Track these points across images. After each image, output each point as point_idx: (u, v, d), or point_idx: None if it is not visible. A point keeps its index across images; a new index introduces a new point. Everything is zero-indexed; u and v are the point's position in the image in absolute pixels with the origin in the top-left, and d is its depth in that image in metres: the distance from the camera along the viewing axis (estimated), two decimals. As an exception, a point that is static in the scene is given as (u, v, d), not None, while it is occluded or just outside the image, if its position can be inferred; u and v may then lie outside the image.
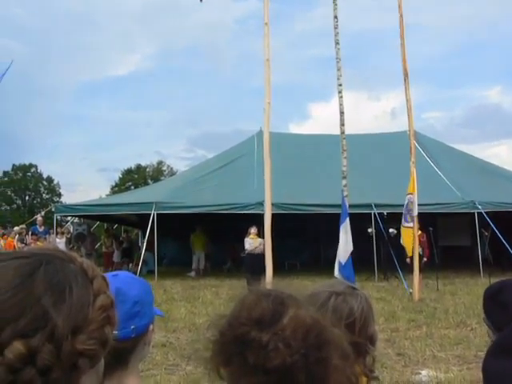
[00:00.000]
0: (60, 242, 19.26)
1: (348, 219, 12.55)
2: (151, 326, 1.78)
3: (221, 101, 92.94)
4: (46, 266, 0.84)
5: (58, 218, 21.36)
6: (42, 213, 27.48)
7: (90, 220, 24.93)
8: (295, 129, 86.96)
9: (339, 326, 1.53)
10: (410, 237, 13.65)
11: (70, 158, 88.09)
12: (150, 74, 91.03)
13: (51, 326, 0.78)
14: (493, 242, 17.71)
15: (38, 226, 19.92)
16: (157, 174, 60.52)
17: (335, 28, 13.51)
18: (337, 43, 13.45)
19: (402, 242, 14.02)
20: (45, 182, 59.33)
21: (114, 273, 1.78)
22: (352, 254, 12.50)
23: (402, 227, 14.18)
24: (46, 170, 60.31)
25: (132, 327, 1.68)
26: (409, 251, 13.86)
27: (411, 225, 13.61)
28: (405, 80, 13.80)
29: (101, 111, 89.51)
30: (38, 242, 18.18)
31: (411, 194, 13.42)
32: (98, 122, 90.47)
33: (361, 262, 16.62)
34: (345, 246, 12.47)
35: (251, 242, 13.88)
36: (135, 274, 16.89)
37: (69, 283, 0.84)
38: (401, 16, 13.87)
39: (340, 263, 12.46)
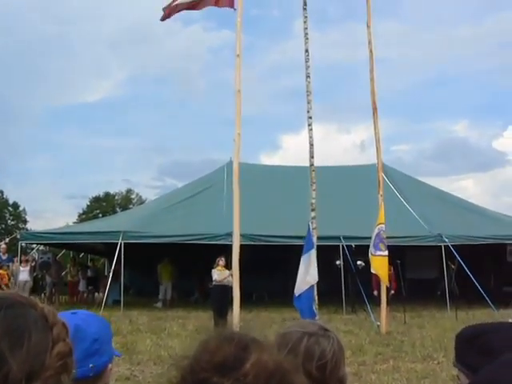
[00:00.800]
0: (24, 271, 18.86)
1: (313, 250, 12.47)
2: (110, 365, 1.73)
3: (192, 130, 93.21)
4: (5, 311, 0.83)
5: (23, 245, 20.97)
6: (7, 240, 26.89)
7: (55, 248, 24.53)
8: (266, 159, 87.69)
9: (310, 368, 1.50)
10: (385, 265, 13.61)
11: (37, 184, 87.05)
12: (122, 100, 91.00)
13: (6, 369, 0.77)
14: (459, 275, 17.88)
15: (1, 254, 19.49)
16: (125, 202, 60.10)
17: (306, 61, 13.68)
18: (308, 76, 13.60)
19: (374, 270, 13.81)
20: (10, 208, 58.36)
21: (73, 310, 1.77)
22: (312, 286, 12.40)
23: (373, 257, 13.95)
24: (12, 195, 59.43)
25: (90, 365, 1.64)
26: (385, 280, 13.76)
27: (386, 253, 13.53)
28: (374, 114, 13.99)
29: (70, 137, 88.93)
30: (1, 270, 17.80)
31: (382, 224, 13.45)
32: (67, 148, 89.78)
33: (329, 294, 16.63)
34: (303, 277, 12.38)
35: (219, 274, 13.76)
36: (101, 303, 16.67)
37: (28, 329, 0.84)
38: (370, 51, 14.12)
39: (294, 295, 12.40)
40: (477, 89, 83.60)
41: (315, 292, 12.36)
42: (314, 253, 12.40)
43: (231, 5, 14.13)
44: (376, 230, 13.63)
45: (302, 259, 12.48)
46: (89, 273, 23.71)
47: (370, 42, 14.08)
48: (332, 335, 1.61)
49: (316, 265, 12.33)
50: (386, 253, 13.49)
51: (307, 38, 13.75)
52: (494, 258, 21.54)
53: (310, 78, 13.62)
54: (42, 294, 20.59)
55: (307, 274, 12.22)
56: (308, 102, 13.47)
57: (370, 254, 13.68)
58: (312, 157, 13.45)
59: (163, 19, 14.50)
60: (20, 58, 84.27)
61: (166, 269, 21.20)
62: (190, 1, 14.21)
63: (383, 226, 13.41)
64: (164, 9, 14.33)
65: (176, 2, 14.19)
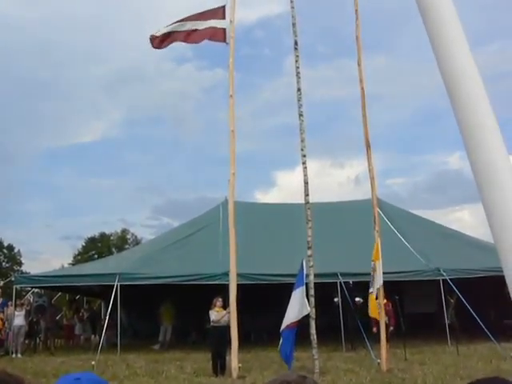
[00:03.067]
0: (19, 315, 18.63)
1: (303, 287, 12.43)
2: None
3: (186, 168, 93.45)
4: None
5: (18, 288, 20.75)
6: (1, 283, 26.69)
7: (51, 290, 24.29)
8: (261, 196, 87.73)
9: None
10: (372, 301, 13.64)
11: (32, 225, 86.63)
12: (116, 141, 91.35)
13: None
14: (459, 308, 17.74)
15: (-5, 298, 19.29)
16: (121, 242, 59.88)
17: (299, 100, 13.78)
18: (300, 115, 13.69)
19: (370, 313, 13.92)
20: (5, 251, 57.99)
21: (78, 375, 1.71)
22: (294, 329, 12.38)
23: (369, 295, 14.04)
24: (6, 237, 59.08)
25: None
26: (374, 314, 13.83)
27: (370, 290, 13.60)
28: (367, 150, 14.06)
29: (65, 178, 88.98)
30: (-4, 316, 17.60)
31: (374, 261, 13.40)
32: (62, 189, 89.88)
33: (328, 331, 16.47)
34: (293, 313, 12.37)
35: (216, 314, 13.62)
36: (97, 346, 16.43)
37: None
38: (362, 89, 14.26)
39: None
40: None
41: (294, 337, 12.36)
42: (303, 289, 12.38)
43: (223, 40, 14.33)
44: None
45: (293, 294, 12.44)
46: (84, 315, 23.44)
47: (361, 80, 14.24)
48: (310, 381, 1.62)
49: (306, 301, 12.30)
50: (370, 290, 13.52)
51: (299, 77, 13.88)
52: (493, 290, 21.37)
53: (303, 116, 13.71)
54: (38, 339, 20.31)
55: (296, 311, 12.23)
56: (302, 141, 13.53)
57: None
58: (307, 194, 13.44)
59: (155, 47, 14.53)
60: (16, 101, 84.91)
61: (169, 310, 21.02)
62: (184, 30, 14.35)
63: (374, 263, 13.37)
64: (152, 37, 14.37)
65: (169, 30, 14.31)
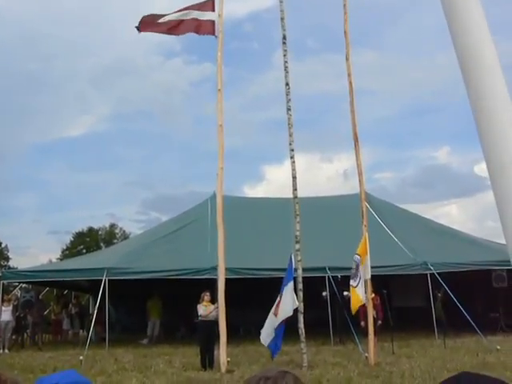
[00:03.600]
0: (6, 311, 18.52)
1: (292, 283, 12.48)
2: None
3: (175, 163, 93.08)
4: None
5: (5, 283, 20.63)
6: (-12, 279, 26.50)
7: (38, 285, 24.18)
8: (249, 191, 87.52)
9: None
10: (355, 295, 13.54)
11: (19, 220, 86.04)
12: (104, 135, 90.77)
13: None
14: (446, 302, 17.87)
15: (-18, 294, 19.15)
16: (109, 237, 59.65)
17: (287, 95, 13.79)
18: (288, 109, 13.70)
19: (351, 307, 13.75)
20: (-8, 246, 57.65)
21: (56, 378, 1.69)
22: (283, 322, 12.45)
23: (351, 288, 13.84)
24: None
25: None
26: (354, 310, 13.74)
27: (353, 284, 13.48)
28: (355, 145, 14.08)
29: (53, 172, 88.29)
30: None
31: (358, 255, 13.34)
32: (50, 184, 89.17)
33: (316, 325, 16.52)
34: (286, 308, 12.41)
35: (205, 309, 13.62)
36: (85, 341, 16.38)
37: None
38: (350, 83, 14.28)
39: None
40: (457, 115, 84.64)
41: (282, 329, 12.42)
42: (292, 284, 12.44)
43: (212, 32, 14.27)
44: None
45: (284, 289, 12.46)
46: (72, 310, 23.37)
47: (349, 75, 14.24)
48: (291, 376, 1.62)
49: (294, 296, 12.36)
50: (352, 282, 13.45)
51: (287, 72, 13.88)
52: (479, 284, 21.57)
53: (291, 110, 13.72)
54: (25, 334, 20.23)
55: (290, 305, 12.28)
56: (290, 135, 13.55)
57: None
58: (295, 189, 13.46)
59: (140, 31, 14.39)
60: (3, 94, 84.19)
61: (156, 305, 20.98)
62: (169, 20, 14.26)
63: (357, 257, 13.32)
64: (140, 22, 14.24)
65: (157, 21, 14.22)
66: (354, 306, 13.42)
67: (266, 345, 12.73)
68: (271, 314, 12.67)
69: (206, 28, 14.29)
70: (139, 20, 14.22)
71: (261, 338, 12.84)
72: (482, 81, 1.14)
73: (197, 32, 14.37)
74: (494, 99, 1.11)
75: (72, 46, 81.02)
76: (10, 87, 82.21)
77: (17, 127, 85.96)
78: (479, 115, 1.12)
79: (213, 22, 14.24)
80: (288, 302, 12.37)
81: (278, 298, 12.61)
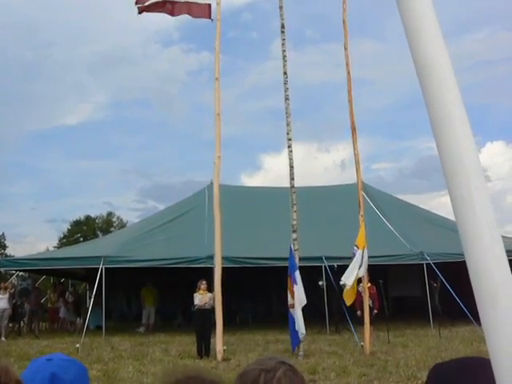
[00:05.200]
0: (3, 298, 18.51)
1: (297, 272, 12.53)
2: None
3: (173, 152, 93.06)
4: None
5: (2, 271, 20.68)
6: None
7: (35, 274, 24.21)
8: (247, 179, 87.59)
9: None
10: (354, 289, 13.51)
11: (17, 208, 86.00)
12: (102, 123, 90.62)
13: None
14: (442, 292, 17.93)
15: (-21, 282, 19.17)
16: (107, 225, 59.65)
17: (285, 84, 13.76)
18: (286, 98, 13.68)
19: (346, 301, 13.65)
20: (-12, 234, 57.62)
21: (49, 356, 1.73)
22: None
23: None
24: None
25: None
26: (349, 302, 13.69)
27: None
28: (353, 135, 14.07)
29: (50, 160, 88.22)
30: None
31: (356, 246, 13.33)
32: (48, 172, 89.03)
33: (312, 314, 16.58)
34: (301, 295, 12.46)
35: (201, 297, 13.65)
36: (82, 329, 16.42)
37: None
38: (348, 73, 14.23)
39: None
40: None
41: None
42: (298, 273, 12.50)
43: (208, 16, 14.20)
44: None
45: (297, 277, 12.48)
46: (69, 298, 23.40)
47: (347, 64, 14.20)
48: (289, 367, 1.62)
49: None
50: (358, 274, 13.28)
51: (285, 61, 13.84)
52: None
53: (289, 99, 13.70)
54: (22, 322, 20.26)
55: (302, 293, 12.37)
56: (287, 124, 13.53)
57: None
58: (292, 179, 13.47)
59: (141, 11, 14.29)
60: (0, 81, 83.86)
61: (150, 293, 21.01)
62: (164, 1, 14.14)
63: (356, 248, 13.31)
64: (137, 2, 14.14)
65: (149, 2, 14.11)
66: (351, 298, 13.40)
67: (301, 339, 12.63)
68: (291, 310, 12.68)
69: (201, 11, 14.18)
70: (136, 2, 14.12)
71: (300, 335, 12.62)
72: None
73: (191, 14, 14.25)
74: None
75: (70, 34, 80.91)
76: (8, 75, 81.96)
77: (14, 115, 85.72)
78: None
79: (209, 6, 14.16)
80: (301, 291, 12.44)
81: (292, 287, 12.57)
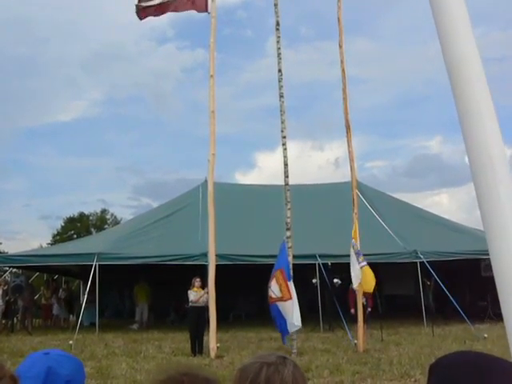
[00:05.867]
0: (-4, 294, 18.51)
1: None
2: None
3: (167, 149, 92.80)
4: None
5: (-5, 268, 20.67)
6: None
7: (28, 270, 24.14)
8: (241, 177, 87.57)
9: None
10: (370, 274, 13.35)
11: (10, 204, 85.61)
12: (95, 120, 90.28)
13: None
14: (435, 290, 17.99)
15: (-28, 278, 19.12)
16: (100, 222, 59.49)
17: (279, 81, 13.75)
18: (281, 96, 13.67)
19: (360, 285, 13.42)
20: (-18, 231, 57.45)
21: (46, 351, 1.75)
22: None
23: (361, 269, 13.51)
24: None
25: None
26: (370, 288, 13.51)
27: (365, 263, 13.30)
28: (347, 132, 14.08)
29: (44, 157, 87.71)
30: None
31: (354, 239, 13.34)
32: (41, 169, 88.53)
33: (306, 312, 16.58)
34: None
35: (195, 295, 13.66)
36: (76, 326, 16.39)
37: None
38: (343, 71, 14.25)
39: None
40: (450, 105, 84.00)
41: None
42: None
43: (205, 9, 14.20)
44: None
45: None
46: (63, 295, 23.35)
47: (342, 62, 14.21)
48: (291, 363, 1.62)
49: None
50: (364, 262, 13.20)
51: (280, 58, 13.84)
52: (468, 273, 21.73)
53: (284, 97, 13.69)
54: (15, 318, 20.21)
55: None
56: (282, 122, 13.53)
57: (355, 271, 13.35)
58: (287, 176, 13.47)
59: (142, 18, 14.31)
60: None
61: (143, 290, 21.00)
62: (161, 2, 14.13)
63: (354, 241, 13.31)
64: (137, 11, 14.14)
65: (148, 3, 14.09)
66: (370, 284, 13.19)
67: (290, 332, 12.53)
68: (281, 303, 12.46)
69: (198, 4, 14.18)
70: (136, 9, 14.13)
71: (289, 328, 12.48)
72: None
73: (194, 8, 14.25)
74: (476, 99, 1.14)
75: (63, 31, 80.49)
76: (0, 71, 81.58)
77: (8, 111, 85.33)
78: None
79: None
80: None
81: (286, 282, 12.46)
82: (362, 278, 13.17)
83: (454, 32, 1.18)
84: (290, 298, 12.28)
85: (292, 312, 12.16)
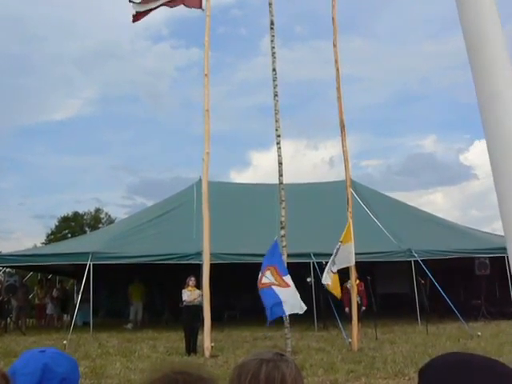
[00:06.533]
0: (-11, 295, 18.43)
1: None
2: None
3: (161, 147, 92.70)
4: None
5: (-12, 268, 20.54)
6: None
7: (22, 270, 24.06)
8: (236, 176, 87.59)
9: None
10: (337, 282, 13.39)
11: (3, 203, 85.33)
12: (90, 119, 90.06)
13: None
14: (430, 289, 18.02)
15: (-35, 278, 19.05)
16: (94, 221, 59.36)
17: (274, 80, 13.75)
18: (275, 95, 13.67)
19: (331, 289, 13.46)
20: (-24, 231, 57.24)
21: (42, 349, 1.77)
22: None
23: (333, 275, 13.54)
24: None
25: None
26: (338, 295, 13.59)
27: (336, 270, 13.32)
28: (341, 131, 14.09)
29: (38, 156, 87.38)
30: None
31: (341, 242, 13.29)
32: (35, 167, 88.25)
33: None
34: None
35: (189, 294, 13.64)
36: (70, 325, 16.35)
37: None
38: (337, 70, 14.26)
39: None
40: (444, 104, 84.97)
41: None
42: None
43: (199, 5, 14.18)
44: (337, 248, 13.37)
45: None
46: (56, 294, 23.29)
47: (336, 61, 14.22)
48: (289, 359, 1.62)
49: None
50: (334, 269, 13.16)
51: (274, 57, 13.84)
52: (463, 271, 21.79)
53: (278, 96, 13.69)
54: (8, 318, 20.14)
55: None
56: (276, 121, 13.53)
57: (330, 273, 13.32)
58: (281, 175, 13.47)
59: (135, 20, 14.30)
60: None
61: (137, 289, 20.97)
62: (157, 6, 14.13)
63: (341, 244, 13.26)
64: (135, 7, 14.12)
65: (145, 7, 14.08)
66: (338, 290, 13.39)
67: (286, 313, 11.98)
68: (278, 288, 12.09)
69: (192, 1, 14.16)
70: (132, 13, 14.13)
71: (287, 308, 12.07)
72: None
73: (185, 4, 14.21)
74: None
75: (58, 29, 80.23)
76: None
77: (2, 109, 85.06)
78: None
79: None
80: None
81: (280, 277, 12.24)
82: (333, 282, 13.21)
83: (477, 12, 1.16)
84: (288, 286, 12.02)
85: (293, 296, 11.86)
